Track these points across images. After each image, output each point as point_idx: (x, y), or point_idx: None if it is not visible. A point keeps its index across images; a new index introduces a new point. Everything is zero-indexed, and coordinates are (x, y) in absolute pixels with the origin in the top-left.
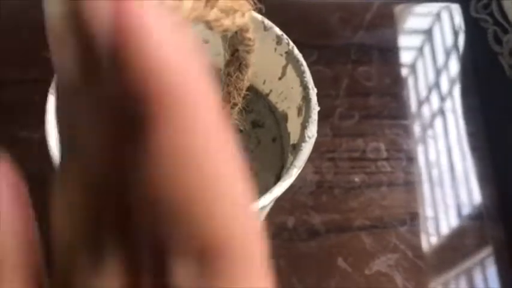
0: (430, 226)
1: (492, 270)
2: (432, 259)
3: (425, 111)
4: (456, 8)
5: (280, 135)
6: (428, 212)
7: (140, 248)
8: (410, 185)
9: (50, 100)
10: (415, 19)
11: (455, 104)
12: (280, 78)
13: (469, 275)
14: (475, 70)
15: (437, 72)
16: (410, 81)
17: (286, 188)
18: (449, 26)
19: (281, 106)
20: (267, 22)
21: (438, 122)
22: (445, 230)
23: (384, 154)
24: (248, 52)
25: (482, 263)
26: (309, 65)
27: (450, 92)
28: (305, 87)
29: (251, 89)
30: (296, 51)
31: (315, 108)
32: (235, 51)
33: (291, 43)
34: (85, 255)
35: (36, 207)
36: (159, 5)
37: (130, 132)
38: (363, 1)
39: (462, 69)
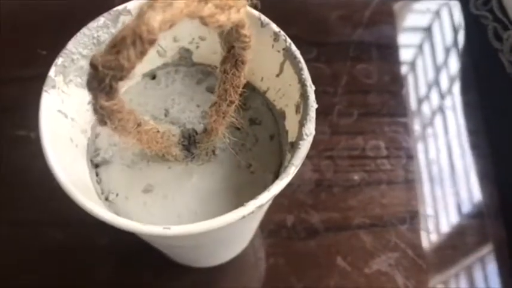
0: (430, 224)
1: (492, 269)
2: (432, 258)
3: (425, 108)
4: (456, 5)
5: (278, 133)
6: (428, 210)
7: None
8: (410, 183)
9: (43, 98)
10: (414, 16)
11: (455, 101)
12: (277, 76)
13: (469, 273)
14: (475, 67)
15: (437, 70)
16: (410, 79)
17: (284, 186)
18: (448, 23)
19: (279, 104)
20: (264, 18)
21: (438, 120)
22: (445, 228)
23: (384, 152)
24: (244, 49)
25: (482, 261)
26: (307, 62)
27: (450, 90)
28: (303, 85)
29: (248, 86)
30: (294, 47)
31: (313, 105)
32: (231, 48)
33: (288, 40)
34: None
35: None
36: (154, 2)
37: None
38: None
39: (462, 66)
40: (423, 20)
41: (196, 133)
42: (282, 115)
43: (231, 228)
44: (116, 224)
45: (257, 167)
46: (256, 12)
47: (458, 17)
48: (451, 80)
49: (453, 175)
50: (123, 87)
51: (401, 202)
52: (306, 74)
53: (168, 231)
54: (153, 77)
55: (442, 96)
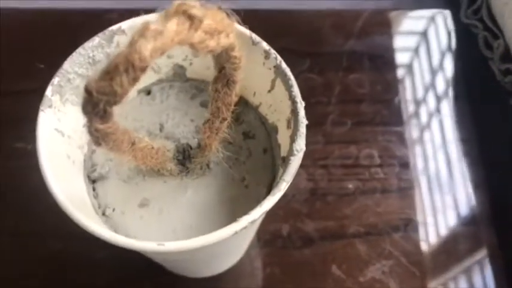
0: (424, 232)
1: (486, 275)
2: (426, 265)
3: (417, 117)
4: (447, 14)
5: (271, 146)
6: (422, 218)
7: None
8: (403, 191)
9: (40, 117)
10: (406, 26)
11: (447, 110)
12: (269, 91)
13: (463, 280)
14: (467, 76)
15: (429, 78)
16: (402, 88)
17: (276, 201)
18: (440, 32)
19: (271, 118)
20: (255, 37)
21: (430, 128)
22: (438, 235)
23: (377, 161)
24: (235, 69)
25: (476, 268)
26: (301, 73)
27: (442, 98)
28: (293, 101)
29: (241, 100)
30: (284, 65)
31: (303, 121)
32: (222, 68)
33: (279, 57)
34: None
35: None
36: (145, 31)
37: None
38: (354, 8)
39: (454, 75)
40: (415, 30)
41: (191, 148)
42: (275, 129)
43: (225, 243)
44: (111, 240)
45: (251, 181)
46: (247, 31)
47: (450, 26)
48: (443, 89)
49: (446, 183)
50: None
51: (395, 210)
52: (296, 91)
53: (162, 248)
54: (148, 93)
55: (434, 105)
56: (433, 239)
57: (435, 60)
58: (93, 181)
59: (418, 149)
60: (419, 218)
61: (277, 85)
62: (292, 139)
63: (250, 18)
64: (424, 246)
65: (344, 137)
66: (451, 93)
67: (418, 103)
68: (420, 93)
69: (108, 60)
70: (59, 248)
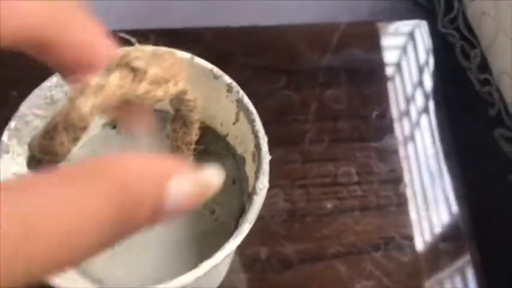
0: (406, 250)
1: None
2: (408, 284)
3: (396, 132)
4: (424, 25)
5: (240, 178)
6: (402, 235)
7: None
8: (383, 209)
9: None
10: (382, 38)
11: (426, 122)
12: (234, 123)
13: None
14: (446, 87)
15: (408, 91)
16: (380, 102)
17: (239, 243)
18: (418, 43)
19: (239, 149)
20: (217, 71)
21: (410, 143)
22: (420, 253)
23: (355, 178)
24: (191, 111)
25: (460, 285)
26: (277, 90)
27: (421, 111)
28: (255, 136)
29: (210, 130)
30: (246, 99)
31: (266, 157)
32: (178, 110)
33: (241, 91)
34: None
35: None
36: (85, 87)
37: None
38: (329, 21)
39: (433, 86)
40: (393, 41)
41: None
42: (243, 160)
43: (195, 282)
44: None
45: (220, 213)
46: (209, 65)
47: (427, 36)
48: (423, 102)
49: (426, 198)
50: (83, 138)
51: (375, 228)
52: (259, 126)
53: None
54: (114, 127)
55: (414, 118)
56: (415, 257)
57: (414, 72)
58: None
59: (397, 165)
60: (400, 235)
61: (241, 118)
62: (257, 176)
63: (223, 36)
64: (405, 265)
65: (322, 154)
66: (430, 105)
67: (396, 117)
68: (399, 107)
69: (49, 119)
70: None
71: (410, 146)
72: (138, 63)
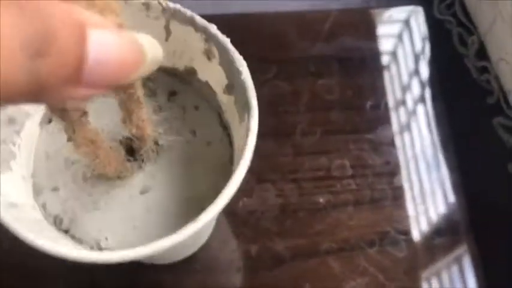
0: (401, 245)
1: (468, 286)
2: (404, 281)
3: (391, 123)
4: (419, 11)
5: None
6: (398, 230)
7: None
8: (377, 203)
9: None
10: (376, 26)
11: (422, 112)
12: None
13: None
14: (442, 74)
15: (403, 80)
16: (374, 92)
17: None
18: (414, 30)
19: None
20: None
21: (405, 134)
22: (417, 248)
23: (349, 171)
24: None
25: (458, 282)
26: (267, 81)
27: (417, 100)
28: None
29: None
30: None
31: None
32: None
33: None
34: None
35: None
36: None
37: None
38: (321, 9)
39: (429, 75)
40: (386, 29)
41: (131, 139)
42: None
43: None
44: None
45: (201, 132)
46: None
47: (423, 23)
48: (419, 91)
49: (422, 191)
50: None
51: (369, 223)
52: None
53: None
54: (50, 121)
55: (409, 108)
56: (412, 253)
57: (409, 61)
58: (66, 231)
59: (392, 157)
60: (395, 230)
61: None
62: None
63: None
64: (401, 261)
65: (314, 147)
66: (427, 94)
67: (391, 107)
68: (394, 97)
69: None
70: None
71: (405, 137)
72: None
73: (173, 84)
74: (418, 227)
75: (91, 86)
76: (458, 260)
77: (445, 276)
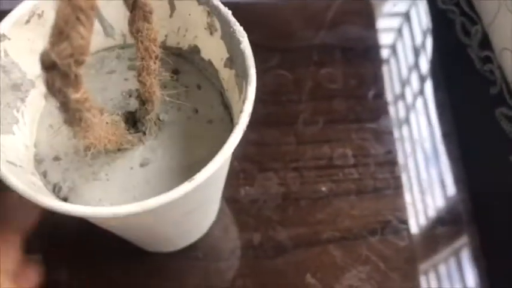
0: (403, 235)
1: (469, 278)
2: (406, 270)
3: (394, 112)
4: (423, 2)
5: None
6: (400, 219)
7: None
8: (379, 192)
9: None
10: (380, 15)
11: (425, 102)
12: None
13: (446, 284)
14: (445, 65)
15: (407, 69)
16: (377, 82)
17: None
18: (416, 21)
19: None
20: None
21: (408, 124)
22: (418, 237)
23: (351, 160)
24: None
25: (459, 272)
26: (270, 69)
27: (420, 91)
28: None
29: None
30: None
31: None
32: (134, 3)
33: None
34: None
35: None
36: None
37: None
38: None
39: (432, 65)
40: (389, 19)
41: (132, 113)
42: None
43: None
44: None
45: (203, 110)
46: None
47: (426, 13)
48: (421, 80)
49: (425, 181)
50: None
51: (371, 212)
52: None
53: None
54: None
55: (412, 98)
56: (413, 242)
57: (412, 51)
58: (65, 199)
59: (394, 146)
60: (397, 219)
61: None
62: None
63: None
64: (403, 250)
65: (316, 136)
66: (429, 85)
67: (394, 97)
68: (397, 87)
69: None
70: None
71: (408, 127)
72: None
73: (176, 63)
74: (420, 217)
75: None
76: (459, 250)
77: (446, 266)
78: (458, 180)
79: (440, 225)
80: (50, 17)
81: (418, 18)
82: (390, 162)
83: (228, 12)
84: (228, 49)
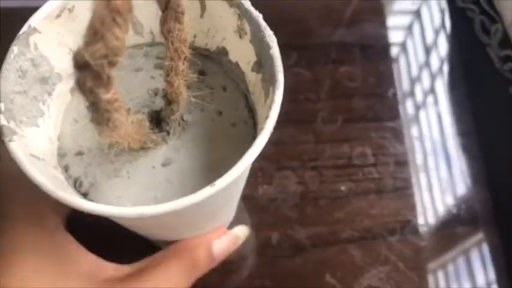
0: (423, 234)
1: (489, 277)
2: (426, 270)
3: (413, 111)
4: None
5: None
6: (420, 219)
7: None
8: (399, 191)
9: (13, 148)
10: (397, 13)
11: (444, 101)
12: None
13: (466, 284)
14: (463, 64)
15: (426, 69)
16: (396, 80)
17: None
18: (436, 19)
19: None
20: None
21: (427, 122)
22: (438, 237)
23: (371, 159)
24: None
25: (479, 272)
26: (288, 68)
27: (440, 90)
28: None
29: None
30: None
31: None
32: (167, 3)
33: None
34: None
35: None
36: None
37: None
38: None
39: (449, 63)
40: (408, 17)
41: (158, 111)
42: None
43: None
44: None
45: (227, 113)
46: None
47: (445, 11)
48: (440, 78)
49: (445, 180)
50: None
51: (391, 212)
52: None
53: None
54: None
55: (431, 97)
56: (433, 242)
57: (431, 50)
58: (84, 195)
59: (414, 145)
60: (417, 219)
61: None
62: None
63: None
64: (423, 250)
65: (335, 135)
66: (448, 84)
67: (413, 96)
68: (415, 85)
69: (88, 23)
70: None
71: (427, 126)
72: None
73: (203, 64)
74: (440, 216)
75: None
76: (479, 249)
77: (465, 266)
78: (477, 180)
79: (459, 224)
80: (80, 12)
81: (430, 16)
82: (410, 162)
83: (259, 16)
84: (257, 53)
